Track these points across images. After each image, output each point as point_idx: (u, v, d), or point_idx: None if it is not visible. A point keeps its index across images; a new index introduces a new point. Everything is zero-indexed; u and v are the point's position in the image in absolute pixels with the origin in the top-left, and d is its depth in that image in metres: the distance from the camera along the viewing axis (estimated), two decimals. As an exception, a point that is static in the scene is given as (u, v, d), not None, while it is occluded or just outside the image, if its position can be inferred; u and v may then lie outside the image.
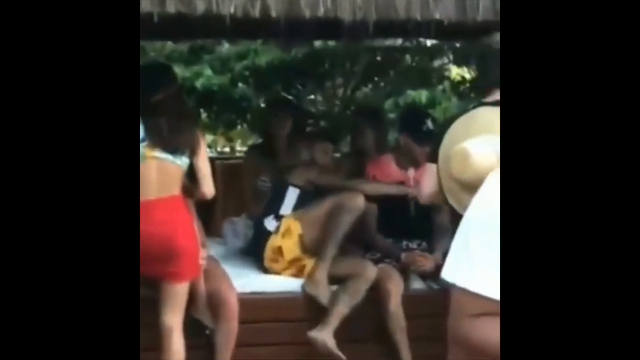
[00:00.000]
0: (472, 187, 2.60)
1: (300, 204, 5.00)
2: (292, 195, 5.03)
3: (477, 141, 3.07)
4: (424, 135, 5.00)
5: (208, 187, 4.30)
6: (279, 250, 4.89)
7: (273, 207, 5.05)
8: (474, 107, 3.62)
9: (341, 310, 4.63)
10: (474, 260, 1.58)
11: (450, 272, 1.63)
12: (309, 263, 4.84)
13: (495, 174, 1.67)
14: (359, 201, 4.78)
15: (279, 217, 4.98)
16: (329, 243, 4.76)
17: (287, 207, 5.01)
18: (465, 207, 1.64)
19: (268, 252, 4.92)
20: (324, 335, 4.56)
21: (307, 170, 5.08)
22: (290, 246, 4.88)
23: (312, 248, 4.85)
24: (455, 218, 3.01)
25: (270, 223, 4.99)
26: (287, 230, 4.90)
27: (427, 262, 4.88)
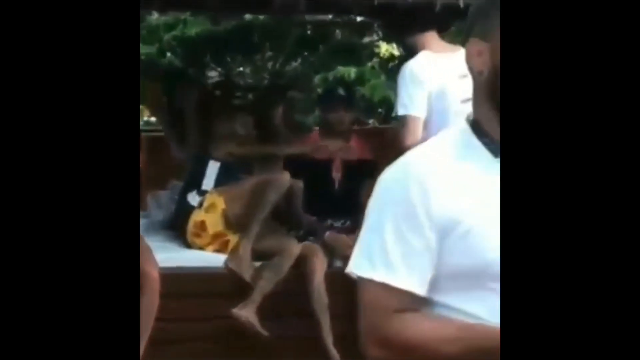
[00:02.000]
0: None
1: (221, 178, 4.97)
2: (212, 168, 5.00)
3: None
4: (349, 105, 5.06)
5: None
6: (201, 225, 4.87)
7: (195, 181, 5.02)
8: None
9: (264, 286, 4.63)
10: (391, 252, 1.50)
11: (364, 267, 1.53)
12: (233, 239, 4.83)
13: (413, 152, 1.60)
14: (285, 179, 4.78)
15: (202, 192, 4.96)
16: (252, 220, 4.75)
17: (209, 181, 4.99)
18: None
19: (191, 227, 4.89)
20: (247, 313, 4.56)
21: (226, 142, 5.06)
22: (213, 221, 4.86)
23: (236, 224, 4.84)
24: None
25: (193, 198, 4.96)
26: (210, 205, 4.88)
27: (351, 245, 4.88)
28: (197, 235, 4.88)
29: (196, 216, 4.88)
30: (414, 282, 1.51)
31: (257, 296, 4.61)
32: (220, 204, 4.86)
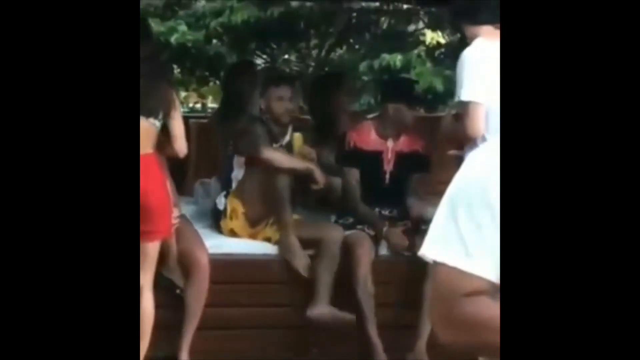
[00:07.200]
0: None
1: (246, 175, 4.85)
2: (238, 164, 4.90)
3: None
4: (414, 100, 5.02)
5: (180, 146, 4.32)
6: (232, 232, 4.84)
7: (225, 180, 4.97)
8: None
9: (326, 279, 4.63)
10: (466, 238, 1.51)
11: (438, 251, 1.55)
12: (269, 231, 4.80)
13: (479, 149, 1.64)
14: (283, 160, 4.74)
15: (227, 194, 4.89)
16: (280, 210, 4.70)
17: (237, 175, 4.89)
18: None
19: (226, 232, 4.87)
20: (323, 309, 4.58)
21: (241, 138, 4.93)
22: (240, 226, 4.82)
23: (263, 219, 4.80)
24: None
25: (220, 201, 4.90)
26: (232, 211, 4.82)
27: (407, 244, 4.87)
28: (236, 235, 4.86)
29: (225, 224, 4.84)
30: (486, 267, 1.51)
31: (323, 291, 4.61)
32: (240, 208, 4.81)
